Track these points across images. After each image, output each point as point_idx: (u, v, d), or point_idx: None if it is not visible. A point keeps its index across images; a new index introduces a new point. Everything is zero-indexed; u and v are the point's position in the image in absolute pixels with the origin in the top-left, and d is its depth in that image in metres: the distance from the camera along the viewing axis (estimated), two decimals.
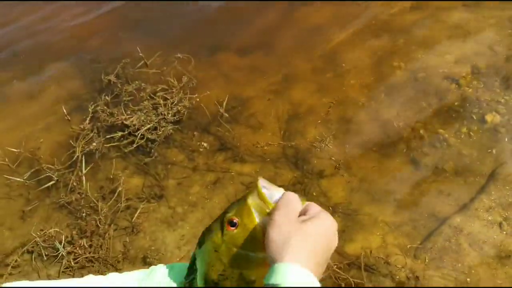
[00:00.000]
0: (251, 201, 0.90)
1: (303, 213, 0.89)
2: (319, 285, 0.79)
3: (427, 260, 2.23)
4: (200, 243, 0.98)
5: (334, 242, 0.88)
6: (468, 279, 2.15)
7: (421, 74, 3.10)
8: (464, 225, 2.33)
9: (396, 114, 2.89)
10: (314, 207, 0.90)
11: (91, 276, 1.13)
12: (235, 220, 0.90)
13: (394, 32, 3.46)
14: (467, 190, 2.48)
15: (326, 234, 0.85)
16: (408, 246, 2.29)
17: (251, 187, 0.75)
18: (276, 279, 0.77)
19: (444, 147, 2.68)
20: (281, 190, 0.91)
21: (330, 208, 2.44)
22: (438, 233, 2.32)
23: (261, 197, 0.89)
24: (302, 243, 0.81)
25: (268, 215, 0.87)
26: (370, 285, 2.16)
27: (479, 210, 2.37)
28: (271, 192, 0.90)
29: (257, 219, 0.89)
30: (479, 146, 2.66)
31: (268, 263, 0.88)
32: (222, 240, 0.92)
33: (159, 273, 1.12)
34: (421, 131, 2.77)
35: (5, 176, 2.85)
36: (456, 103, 2.88)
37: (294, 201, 0.87)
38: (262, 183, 0.90)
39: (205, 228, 0.97)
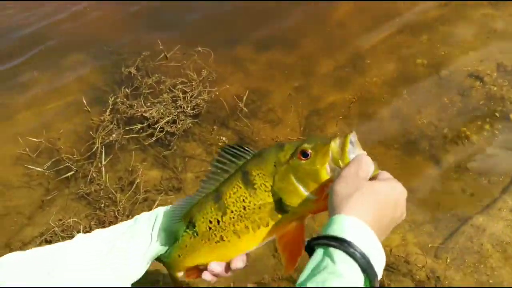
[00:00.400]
0: (334, 145, 0.88)
1: (374, 179, 0.86)
2: (376, 241, 0.75)
3: (448, 260, 2.19)
4: (262, 151, 0.97)
5: (402, 211, 0.84)
6: (490, 281, 2.11)
7: (445, 71, 3.04)
8: (487, 225, 2.28)
9: (419, 111, 2.84)
10: (386, 174, 0.87)
11: (79, 235, 1.16)
12: (309, 152, 0.89)
13: (418, 28, 3.41)
14: (490, 190, 2.43)
15: (395, 198, 0.82)
16: (429, 245, 2.24)
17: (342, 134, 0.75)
18: (333, 229, 0.75)
19: (467, 146, 2.63)
20: (364, 153, 0.89)
21: None
22: (460, 233, 2.27)
23: (343, 147, 0.87)
24: (366, 198, 0.78)
25: (339, 167, 0.86)
26: (390, 284, 2.13)
27: (503, 211, 2.32)
28: (354, 149, 0.88)
29: (328, 164, 0.87)
30: (503, 145, 2.60)
31: (309, 208, 0.88)
32: (287, 162, 0.91)
33: (143, 217, 1.18)
34: (444, 129, 2.72)
35: (26, 165, 2.87)
36: (480, 101, 2.83)
37: (366, 162, 0.84)
38: (352, 137, 0.88)
39: (276, 144, 0.96)
